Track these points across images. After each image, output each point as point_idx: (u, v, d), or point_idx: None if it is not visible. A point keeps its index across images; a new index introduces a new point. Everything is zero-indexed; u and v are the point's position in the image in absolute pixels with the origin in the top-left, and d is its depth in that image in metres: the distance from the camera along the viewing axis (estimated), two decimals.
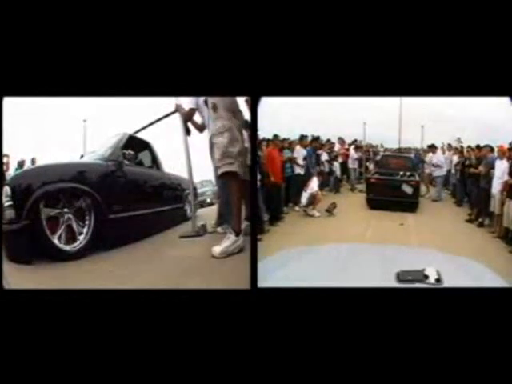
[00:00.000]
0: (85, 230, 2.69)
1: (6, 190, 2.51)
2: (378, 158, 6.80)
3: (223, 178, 2.58)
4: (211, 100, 2.55)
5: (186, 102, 3.29)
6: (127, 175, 3.04)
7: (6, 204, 2.47)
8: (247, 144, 3.75)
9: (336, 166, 6.41)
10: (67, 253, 2.59)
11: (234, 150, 2.49)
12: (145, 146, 3.55)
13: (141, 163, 3.48)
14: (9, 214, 2.46)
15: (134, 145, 3.36)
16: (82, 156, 3.49)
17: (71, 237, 2.65)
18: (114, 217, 2.78)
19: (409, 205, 5.45)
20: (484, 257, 1.61)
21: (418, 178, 5.94)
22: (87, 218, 2.71)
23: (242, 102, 2.74)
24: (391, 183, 5.64)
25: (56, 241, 2.58)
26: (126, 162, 3.17)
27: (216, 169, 2.58)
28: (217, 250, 2.52)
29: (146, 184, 3.25)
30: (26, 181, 2.57)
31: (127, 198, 2.92)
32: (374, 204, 5.56)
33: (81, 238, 2.67)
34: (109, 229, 2.74)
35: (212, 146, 2.66)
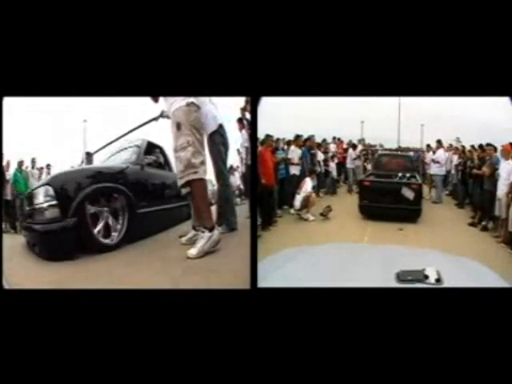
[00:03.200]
0: (119, 226, 2.97)
1: (48, 189, 2.64)
2: (375, 157, 6.25)
3: (188, 185, 2.62)
4: (176, 120, 2.61)
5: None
6: (148, 176, 3.40)
7: (47, 204, 2.62)
8: (247, 144, 3.78)
9: (332, 166, 6.16)
10: (106, 245, 2.83)
11: (196, 161, 2.57)
12: (159, 149, 3.88)
13: (157, 165, 3.78)
14: (52, 212, 2.61)
15: (151, 149, 3.70)
16: (88, 154, 3.70)
17: (108, 230, 2.92)
18: (141, 211, 3.15)
19: (410, 212, 4.69)
20: (488, 264, 1.59)
21: (419, 180, 5.22)
22: (121, 212, 3.01)
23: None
24: (388, 187, 4.89)
25: (97, 236, 2.80)
26: (147, 164, 3.53)
27: (179, 179, 2.64)
28: (193, 252, 2.49)
29: (162, 184, 3.59)
30: (72, 181, 2.76)
31: (149, 195, 3.29)
32: (367, 212, 4.84)
33: (115, 234, 2.94)
34: (137, 221, 3.07)
35: (175, 159, 2.71)
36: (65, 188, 2.70)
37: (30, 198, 2.78)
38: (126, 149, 3.64)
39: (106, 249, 2.80)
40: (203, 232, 2.57)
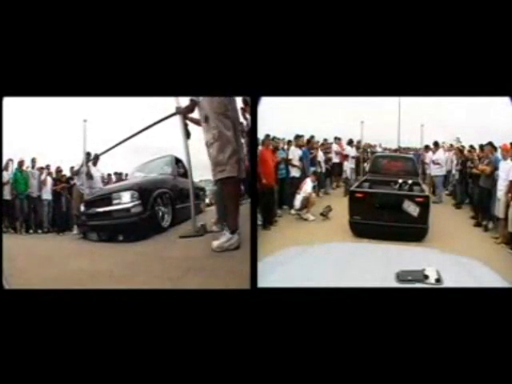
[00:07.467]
0: (168, 215, 4.06)
1: (133, 193, 3.76)
2: (370, 159, 5.66)
3: (218, 183, 2.77)
4: (204, 112, 2.65)
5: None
6: (178, 182, 4.45)
7: (133, 203, 3.72)
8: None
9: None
10: (163, 227, 3.95)
11: (223, 157, 2.60)
12: (181, 163, 4.72)
13: (181, 174, 4.74)
14: (136, 209, 3.72)
15: (177, 162, 4.70)
16: (88, 154, 4.33)
17: (163, 218, 4.04)
18: (177, 207, 4.23)
19: (413, 232, 3.74)
20: (488, 263, 1.59)
21: (426, 190, 4.37)
22: (169, 206, 4.11)
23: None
24: (387, 199, 3.99)
25: (160, 222, 3.95)
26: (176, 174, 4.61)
27: (212, 176, 2.77)
28: (215, 243, 2.69)
29: (185, 188, 4.47)
30: (146, 186, 3.98)
31: (180, 196, 4.28)
32: (360, 230, 3.93)
33: (167, 220, 4.05)
34: (176, 213, 4.15)
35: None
36: (143, 192, 3.83)
37: (108, 200, 3.82)
38: (155, 160, 4.77)
39: (164, 230, 3.91)
40: (226, 231, 2.69)
